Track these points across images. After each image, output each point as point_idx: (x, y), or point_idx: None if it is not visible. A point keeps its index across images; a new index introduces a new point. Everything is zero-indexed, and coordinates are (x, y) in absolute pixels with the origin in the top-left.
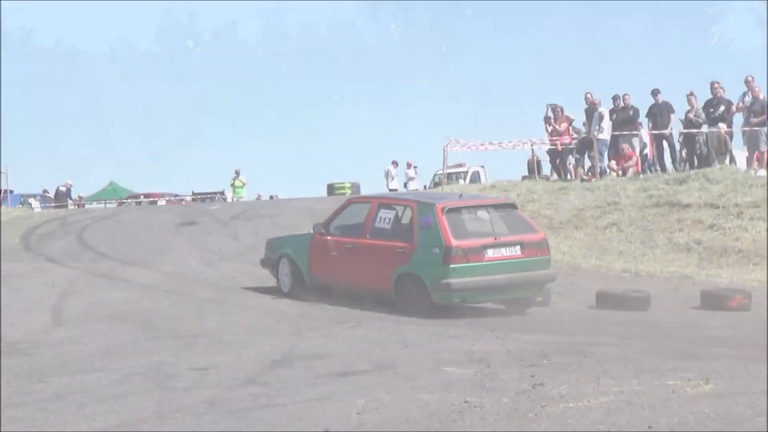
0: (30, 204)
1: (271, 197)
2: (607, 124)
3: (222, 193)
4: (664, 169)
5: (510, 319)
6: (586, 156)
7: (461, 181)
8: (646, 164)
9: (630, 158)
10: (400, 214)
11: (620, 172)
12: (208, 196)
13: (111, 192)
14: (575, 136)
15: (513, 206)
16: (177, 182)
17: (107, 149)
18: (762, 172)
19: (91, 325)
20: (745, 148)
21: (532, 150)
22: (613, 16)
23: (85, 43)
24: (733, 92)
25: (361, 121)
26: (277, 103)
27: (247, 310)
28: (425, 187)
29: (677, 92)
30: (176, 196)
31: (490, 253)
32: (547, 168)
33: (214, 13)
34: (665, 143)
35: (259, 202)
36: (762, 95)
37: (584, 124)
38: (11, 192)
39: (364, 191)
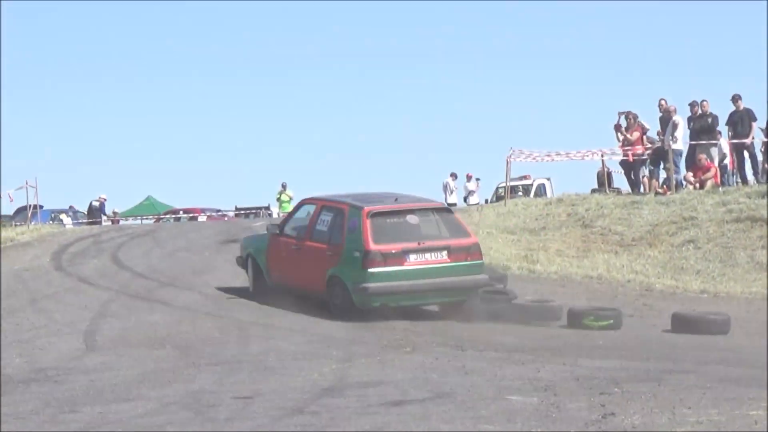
0: (61, 220)
1: None
2: (682, 132)
3: (267, 207)
4: (745, 181)
5: (578, 344)
6: (660, 167)
7: (517, 193)
8: (725, 176)
9: (708, 170)
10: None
11: (697, 185)
12: (253, 211)
13: (148, 207)
14: (649, 146)
15: (448, 210)
16: (219, 196)
17: (145, 161)
18: None
19: (127, 351)
20: None
21: (603, 161)
22: (691, 16)
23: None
24: None
25: (419, 131)
26: (325, 113)
27: (294, 335)
28: (486, 201)
29: (759, 98)
30: (218, 211)
31: (413, 258)
32: (618, 180)
33: (261, 21)
34: (746, 153)
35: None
36: None
37: (658, 133)
38: (41, 207)
39: None
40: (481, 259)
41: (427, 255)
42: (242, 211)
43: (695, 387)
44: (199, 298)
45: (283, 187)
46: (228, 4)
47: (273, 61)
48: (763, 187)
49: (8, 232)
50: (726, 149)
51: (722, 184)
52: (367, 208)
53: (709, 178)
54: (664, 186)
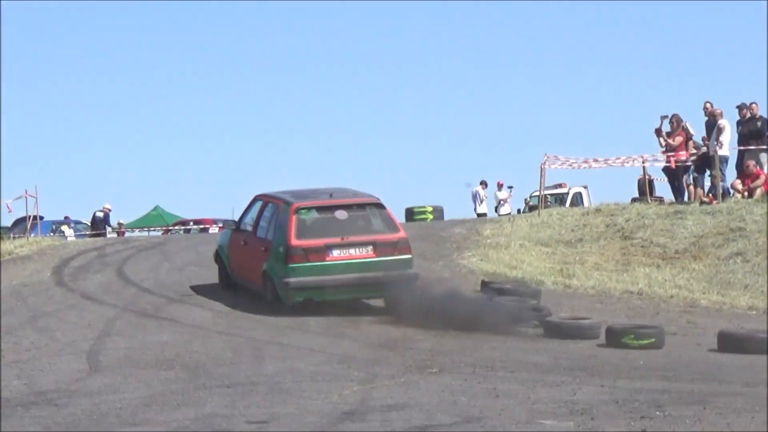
0: (63, 232)
1: None
2: (729, 137)
3: None
4: None
5: (617, 364)
6: (706, 175)
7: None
8: None
9: (757, 177)
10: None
11: (746, 193)
12: None
13: (156, 218)
14: (693, 151)
15: (380, 206)
16: (231, 207)
17: (152, 168)
18: None
19: (133, 372)
20: None
21: (644, 168)
22: (739, 14)
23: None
24: None
25: (446, 135)
26: (348, 121)
27: (312, 354)
28: (519, 211)
29: None
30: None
31: (336, 253)
32: (661, 189)
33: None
34: None
35: None
36: None
37: (703, 139)
38: (41, 218)
39: (450, 216)
40: (410, 254)
41: (351, 250)
42: None
43: (743, 410)
44: (210, 315)
45: None
46: (242, 5)
47: (290, 70)
48: None
49: (6, 245)
50: None
51: None
52: (295, 204)
53: (759, 186)
54: (710, 195)
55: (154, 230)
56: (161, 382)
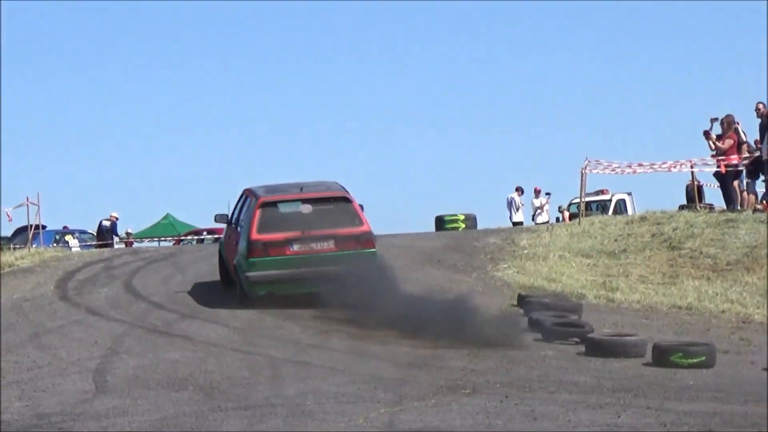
0: (67, 242)
1: None
2: None
3: None
4: None
5: (665, 384)
6: (759, 180)
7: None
8: None
9: None
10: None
11: None
12: None
13: (167, 227)
14: (746, 155)
15: (345, 200)
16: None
17: (163, 174)
18: None
19: (143, 393)
20: None
21: (693, 173)
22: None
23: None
24: None
25: (479, 139)
26: (377, 124)
27: (335, 374)
28: (557, 219)
29: None
30: None
31: (296, 246)
32: (711, 195)
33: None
34: None
35: None
36: None
37: (756, 142)
38: (44, 228)
39: (483, 224)
40: (373, 247)
41: (312, 244)
42: None
43: None
44: (225, 331)
45: None
46: (259, 18)
47: (312, 77)
48: None
49: (6, 257)
50: None
51: None
52: (261, 199)
53: None
54: (764, 202)
55: (164, 240)
56: (173, 404)
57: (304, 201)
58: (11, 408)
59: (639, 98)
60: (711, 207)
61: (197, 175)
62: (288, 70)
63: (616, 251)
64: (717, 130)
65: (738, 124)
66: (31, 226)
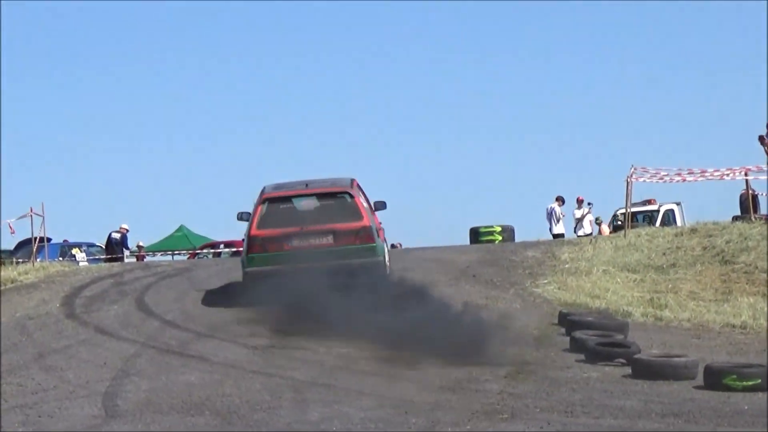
0: (74, 256)
1: (393, 246)
2: None
3: None
4: None
5: (717, 408)
6: None
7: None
8: None
9: None
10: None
11: None
12: None
13: (181, 239)
14: None
15: (347, 194)
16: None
17: (177, 184)
18: None
19: (156, 418)
20: None
21: (747, 182)
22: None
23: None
24: None
25: (516, 146)
26: (410, 133)
27: (362, 398)
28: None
29: None
30: None
31: (295, 242)
32: (767, 205)
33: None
34: None
35: None
36: None
37: None
38: (49, 241)
39: (522, 237)
40: (373, 242)
41: (311, 239)
42: None
43: None
44: (244, 352)
45: None
46: (270, 30)
47: (336, 88)
48: None
49: (9, 272)
50: None
51: None
52: (264, 195)
53: None
54: None
55: (178, 254)
56: (189, 428)
57: (307, 196)
58: None
59: (688, 102)
60: (767, 218)
61: (214, 184)
62: (316, 80)
63: (665, 266)
64: None
65: None
66: (36, 238)
